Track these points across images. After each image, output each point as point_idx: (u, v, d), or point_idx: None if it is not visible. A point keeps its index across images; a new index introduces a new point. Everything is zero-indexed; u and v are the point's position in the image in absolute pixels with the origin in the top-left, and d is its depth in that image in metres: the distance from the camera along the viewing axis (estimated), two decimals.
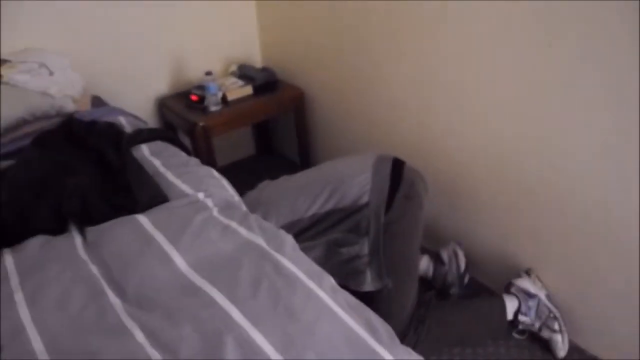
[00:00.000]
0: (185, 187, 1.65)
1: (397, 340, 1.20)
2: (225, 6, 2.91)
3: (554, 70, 1.69)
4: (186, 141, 2.67)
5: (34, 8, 2.38)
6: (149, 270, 1.29)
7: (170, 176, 1.72)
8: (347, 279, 1.78)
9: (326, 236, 1.81)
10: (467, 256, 2.21)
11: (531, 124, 1.83)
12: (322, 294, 1.22)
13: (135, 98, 2.78)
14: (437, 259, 2.24)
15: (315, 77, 2.81)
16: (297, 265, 1.30)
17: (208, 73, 2.55)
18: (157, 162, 1.81)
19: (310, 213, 1.81)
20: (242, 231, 1.42)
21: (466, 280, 2.20)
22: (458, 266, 2.20)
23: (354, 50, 2.46)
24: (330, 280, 1.32)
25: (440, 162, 2.24)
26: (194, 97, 2.68)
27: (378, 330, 1.18)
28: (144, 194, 1.59)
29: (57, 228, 1.51)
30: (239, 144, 3.34)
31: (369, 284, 1.79)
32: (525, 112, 1.83)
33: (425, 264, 2.25)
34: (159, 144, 1.95)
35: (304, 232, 1.80)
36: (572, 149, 1.73)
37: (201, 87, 2.64)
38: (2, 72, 2.15)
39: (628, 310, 1.77)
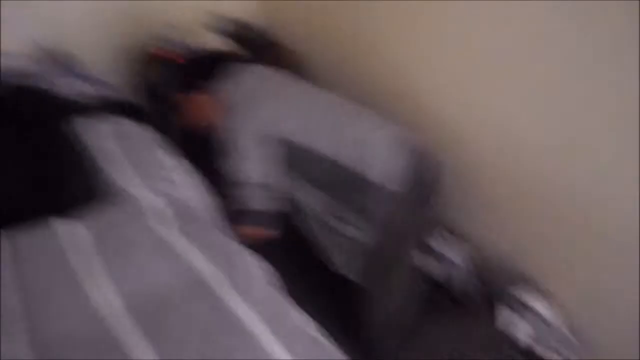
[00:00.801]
0: (137, 183, 1.41)
1: None
2: None
3: (577, 69, 1.45)
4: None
5: None
6: (62, 308, 1.07)
7: (125, 166, 1.48)
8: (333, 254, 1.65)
9: (329, 195, 1.64)
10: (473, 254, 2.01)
11: (551, 125, 1.60)
12: (277, 349, 0.99)
13: (109, 52, 2.49)
14: (439, 255, 2.02)
15: (317, 38, 2.51)
16: (250, 304, 1.07)
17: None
18: (114, 147, 1.56)
19: (326, 152, 1.58)
20: (188, 252, 1.19)
21: (475, 280, 1.99)
22: (467, 266, 1.99)
23: (364, 8, 2.14)
24: (294, 320, 1.09)
25: (446, 147, 1.96)
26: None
27: None
28: (75, 188, 1.36)
29: None
30: None
31: (349, 272, 1.66)
32: (543, 111, 1.60)
33: (427, 260, 2.03)
34: (122, 122, 1.70)
35: (305, 166, 1.62)
36: (595, 155, 1.51)
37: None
38: None
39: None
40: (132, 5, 2.48)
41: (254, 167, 1.59)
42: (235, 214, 1.54)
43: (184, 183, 1.49)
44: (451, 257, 1.98)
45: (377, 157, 1.60)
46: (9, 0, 2.03)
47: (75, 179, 1.38)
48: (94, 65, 2.22)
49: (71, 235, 1.20)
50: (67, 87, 1.82)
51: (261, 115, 1.59)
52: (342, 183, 1.60)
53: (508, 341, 1.78)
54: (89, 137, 1.56)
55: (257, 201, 1.59)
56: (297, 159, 1.59)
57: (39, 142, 1.47)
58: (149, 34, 2.46)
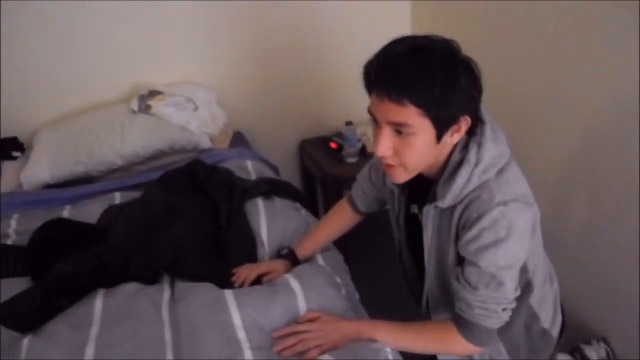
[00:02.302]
0: None
1: None
2: None
3: None
4: (319, 189, 2.63)
5: (191, 44, 2.50)
6: (215, 349, 1.21)
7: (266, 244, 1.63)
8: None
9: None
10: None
11: None
12: None
13: (278, 137, 2.79)
14: (581, 356, 1.90)
15: None
16: None
17: (348, 123, 2.46)
18: (263, 223, 1.69)
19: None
20: None
21: None
22: None
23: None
24: None
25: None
26: (333, 145, 2.60)
27: None
28: (239, 259, 1.53)
29: (152, 277, 1.50)
30: None
31: None
32: None
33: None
34: (276, 201, 1.83)
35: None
36: None
37: (342, 135, 2.56)
38: (152, 104, 2.25)
39: None
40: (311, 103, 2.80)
41: (523, 246, 1.16)
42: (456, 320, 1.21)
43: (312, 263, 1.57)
44: (588, 356, 1.87)
45: (550, 305, 1.47)
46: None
47: (242, 254, 1.57)
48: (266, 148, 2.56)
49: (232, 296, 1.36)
50: (245, 168, 2.11)
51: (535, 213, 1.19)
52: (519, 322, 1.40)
53: None
54: (254, 216, 1.72)
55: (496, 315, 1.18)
56: None
57: (221, 215, 1.71)
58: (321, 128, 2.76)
